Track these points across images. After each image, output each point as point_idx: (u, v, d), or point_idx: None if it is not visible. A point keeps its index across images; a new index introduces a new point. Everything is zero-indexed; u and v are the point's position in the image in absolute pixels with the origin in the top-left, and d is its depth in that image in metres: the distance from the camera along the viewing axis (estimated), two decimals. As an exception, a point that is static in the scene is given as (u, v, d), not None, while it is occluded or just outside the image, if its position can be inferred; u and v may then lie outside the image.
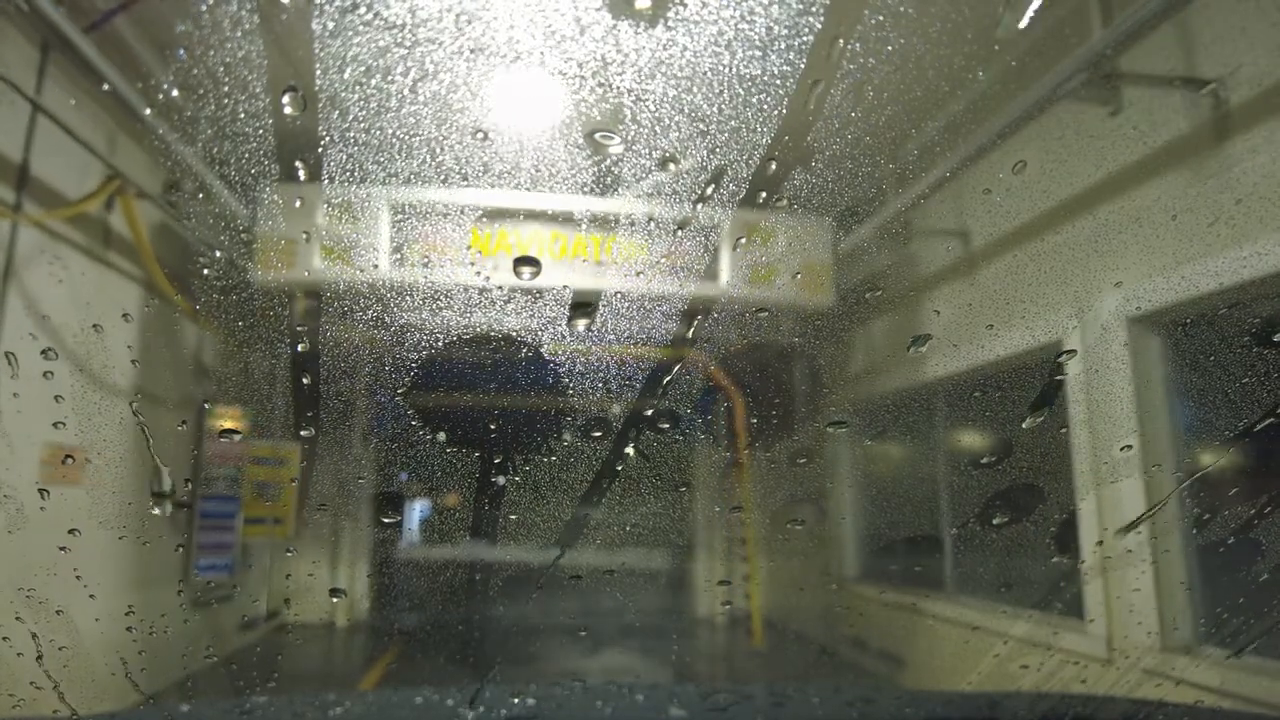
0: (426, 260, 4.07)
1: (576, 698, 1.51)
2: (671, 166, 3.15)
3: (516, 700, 1.39)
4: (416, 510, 5.65)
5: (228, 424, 5.50)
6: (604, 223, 4.13)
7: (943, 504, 5.32)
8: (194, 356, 5.26)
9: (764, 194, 3.88)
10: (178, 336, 5.07)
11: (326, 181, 3.62)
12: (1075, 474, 3.97)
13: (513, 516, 4.12)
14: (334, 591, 6.21)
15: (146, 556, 4.35)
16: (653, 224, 3.91)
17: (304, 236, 4.09)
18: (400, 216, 4.08)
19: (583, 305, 3.46)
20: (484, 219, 4.13)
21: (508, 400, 4.68)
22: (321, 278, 4.21)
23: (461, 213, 4.04)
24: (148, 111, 3.61)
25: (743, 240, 4.29)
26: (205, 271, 4.73)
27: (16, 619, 2.45)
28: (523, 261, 3.25)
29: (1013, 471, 3.58)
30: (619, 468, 3.63)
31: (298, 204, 4.00)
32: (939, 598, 5.14)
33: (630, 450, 3.61)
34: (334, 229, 4.10)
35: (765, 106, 2.83)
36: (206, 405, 5.26)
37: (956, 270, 4.83)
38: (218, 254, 4.58)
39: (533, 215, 4.19)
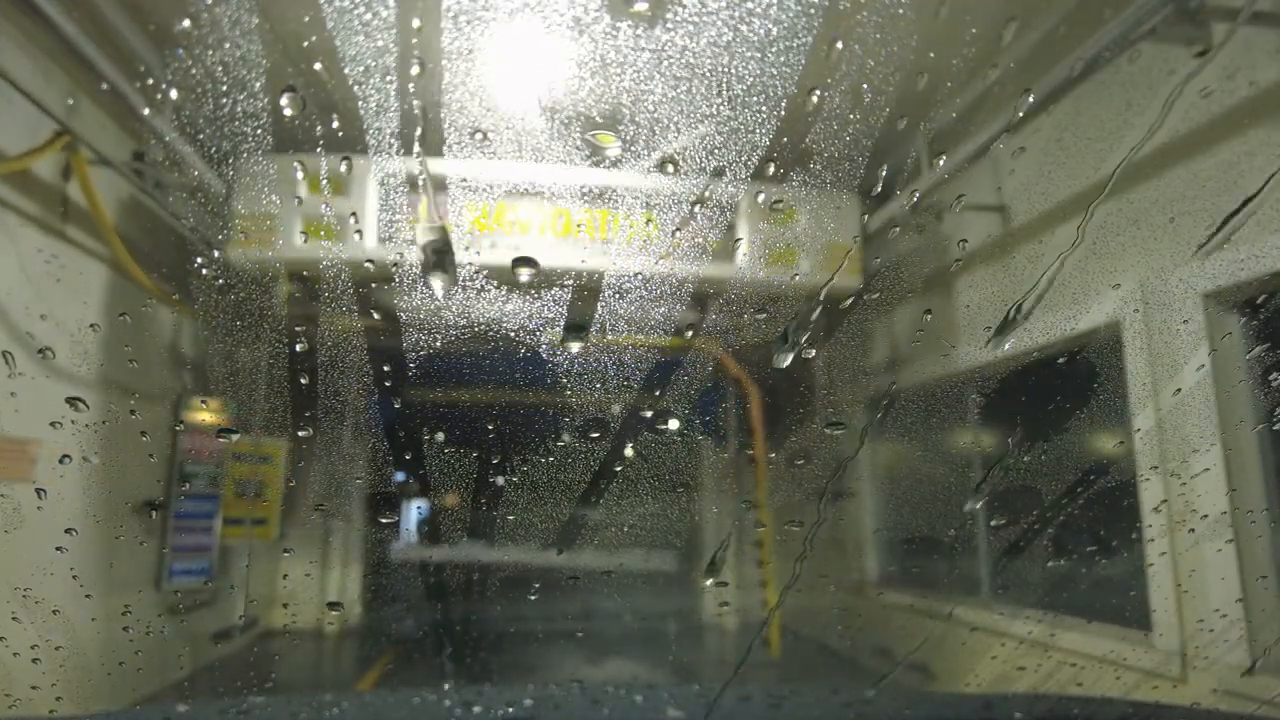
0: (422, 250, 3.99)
1: (574, 699, 1.50)
2: (670, 166, 3.15)
3: (513, 708, 1.39)
4: (413, 510, 5.59)
5: (207, 418, 5.12)
6: (602, 223, 4.12)
7: (980, 504, 5.00)
8: (169, 346, 4.85)
9: (764, 191, 3.88)
10: (150, 323, 4.61)
11: (314, 160, 3.52)
12: (1138, 470, 3.51)
13: (510, 517, 4.12)
14: (331, 605, 6.16)
15: (125, 558, 4.22)
16: (650, 224, 3.90)
17: (289, 217, 3.90)
18: (396, 210, 4.03)
19: (577, 326, 3.46)
20: (480, 216, 4.12)
21: (511, 393, 4.62)
22: (310, 265, 4.06)
23: (460, 209, 4.02)
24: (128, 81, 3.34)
25: (741, 239, 4.28)
26: (182, 254, 4.39)
27: (13, 619, 2.44)
28: (521, 262, 3.25)
29: (1058, 470, 3.41)
30: (617, 468, 3.63)
31: (281, 179, 3.82)
32: (974, 603, 4.82)
33: (629, 452, 3.61)
34: (324, 213, 3.98)
35: (764, 106, 2.83)
36: (182, 399, 4.93)
37: (1003, 252, 4.46)
38: (193, 234, 4.25)
39: (528, 206, 4.18)
